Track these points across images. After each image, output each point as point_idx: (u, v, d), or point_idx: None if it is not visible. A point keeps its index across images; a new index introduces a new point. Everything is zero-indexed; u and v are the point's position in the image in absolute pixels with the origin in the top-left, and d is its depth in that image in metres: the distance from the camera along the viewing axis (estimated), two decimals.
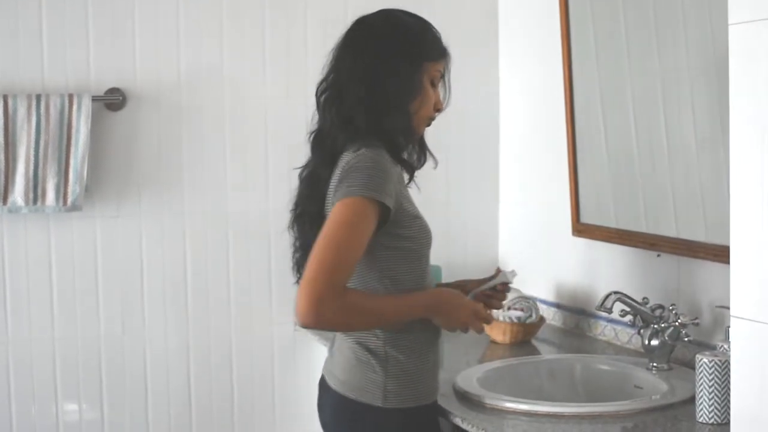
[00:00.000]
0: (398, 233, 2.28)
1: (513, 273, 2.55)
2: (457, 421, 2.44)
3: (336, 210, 2.20)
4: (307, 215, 2.38)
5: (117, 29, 3.35)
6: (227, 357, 3.51)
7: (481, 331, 2.40)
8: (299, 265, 2.41)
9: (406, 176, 2.38)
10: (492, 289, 2.51)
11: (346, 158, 2.26)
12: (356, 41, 2.36)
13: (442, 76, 2.40)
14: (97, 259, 3.37)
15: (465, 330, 2.37)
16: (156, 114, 3.41)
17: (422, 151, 2.44)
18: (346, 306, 2.17)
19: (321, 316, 2.14)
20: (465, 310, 2.36)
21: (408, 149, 2.39)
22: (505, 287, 2.53)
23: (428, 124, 2.42)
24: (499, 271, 2.56)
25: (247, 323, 3.53)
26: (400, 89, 2.30)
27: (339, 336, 2.39)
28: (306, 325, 2.19)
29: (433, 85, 2.38)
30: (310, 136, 2.41)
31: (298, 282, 2.42)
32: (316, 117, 2.40)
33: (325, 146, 2.35)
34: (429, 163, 2.47)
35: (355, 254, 2.18)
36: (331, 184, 2.29)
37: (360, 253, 2.19)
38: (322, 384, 2.44)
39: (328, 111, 2.35)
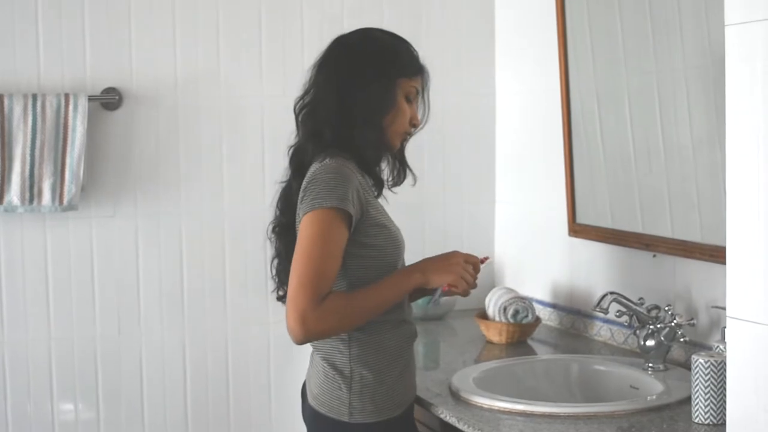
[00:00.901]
0: (363, 242, 2.32)
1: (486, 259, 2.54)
2: (453, 421, 2.44)
3: (303, 225, 2.26)
4: (280, 226, 2.46)
5: (113, 28, 3.34)
6: (223, 357, 3.51)
7: (472, 283, 2.43)
8: (278, 273, 2.49)
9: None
10: None
11: (312, 169, 2.32)
12: (332, 59, 2.42)
13: (418, 93, 2.44)
14: (93, 259, 3.37)
15: (462, 286, 2.40)
16: (152, 114, 3.40)
17: (402, 167, 2.51)
18: (330, 310, 2.22)
19: (308, 330, 2.22)
20: (454, 257, 2.41)
21: (380, 163, 2.45)
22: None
23: (405, 139, 2.47)
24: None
25: (243, 323, 3.53)
26: (371, 104, 2.35)
27: (312, 349, 2.45)
28: (298, 342, 2.27)
29: (409, 101, 2.42)
30: (289, 151, 2.48)
31: (277, 292, 2.53)
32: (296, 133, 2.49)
33: (297, 159, 2.43)
34: (406, 179, 2.53)
35: (331, 265, 2.24)
36: (299, 195, 2.34)
37: (337, 263, 2.25)
38: (303, 392, 2.51)
39: (303, 125, 2.43)
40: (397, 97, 2.39)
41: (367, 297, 2.31)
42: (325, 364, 2.38)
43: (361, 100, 2.35)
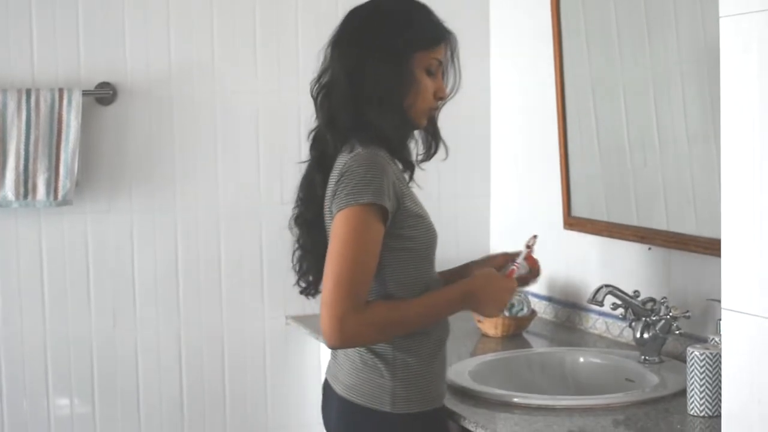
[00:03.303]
0: (400, 233, 2.19)
1: (534, 238, 2.49)
2: (449, 413, 2.44)
3: (338, 223, 2.13)
4: (304, 219, 2.32)
5: (107, 23, 3.34)
6: (219, 351, 3.51)
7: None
8: (300, 264, 2.36)
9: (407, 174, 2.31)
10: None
11: (341, 160, 2.18)
12: (344, 36, 2.26)
13: (441, 63, 2.27)
14: (88, 254, 3.37)
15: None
16: (147, 108, 3.40)
17: (435, 140, 2.36)
18: (370, 320, 2.12)
19: (346, 336, 2.10)
20: (505, 291, 2.31)
21: (406, 145, 2.30)
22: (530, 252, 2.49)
23: (431, 114, 2.30)
24: (528, 247, 2.50)
25: (239, 318, 3.53)
26: (387, 83, 2.19)
27: None
28: (334, 347, 2.16)
29: (431, 73, 2.25)
30: (309, 136, 2.33)
31: (298, 284, 2.37)
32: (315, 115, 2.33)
33: (318, 147, 2.28)
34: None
35: (368, 266, 2.12)
36: (328, 188, 2.21)
37: (374, 263, 2.13)
38: (327, 389, 2.36)
39: (320, 110, 2.27)
40: (415, 72, 2.22)
41: (410, 312, 2.19)
42: (364, 351, 2.22)
43: (375, 79, 2.18)
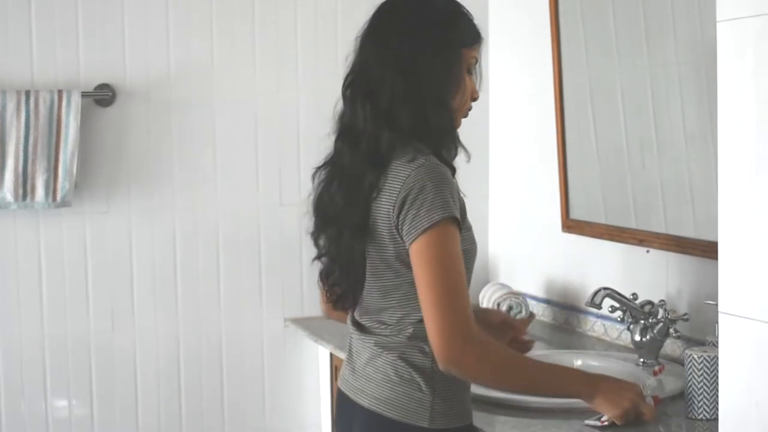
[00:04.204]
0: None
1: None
2: None
3: (423, 246, 2.00)
4: (346, 224, 2.12)
5: (106, 25, 3.34)
6: (217, 353, 3.51)
7: (651, 417, 2.21)
8: (328, 274, 2.20)
9: None
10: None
11: (403, 171, 2.04)
12: (385, 27, 2.12)
13: (477, 62, 2.17)
14: (87, 255, 3.37)
15: (629, 418, 2.18)
16: (145, 110, 3.40)
17: (456, 144, 2.20)
18: (488, 353, 2.02)
19: (460, 353, 1.98)
20: (631, 393, 2.18)
21: (455, 147, 2.19)
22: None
23: (465, 116, 2.21)
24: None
25: (237, 319, 3.53)
26: (440, 81, 2.10)
27: (369, 351, 2.15)
28: (445, 364, 2.00)
29: (470, 72, 2.16)
30: (336, 134, 2.17)
31: (328, 295, 2.23)
32: (341, 113, 2.17)
33: (363, 147, 2.10)
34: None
35: (463, 283, 2.02)
36: (384, 197, 2.05)
37: (465, 277, 2.03)
38: (345, 402, 2.21)
39: (361, 107, 2.10)
40: (462, 70, 2.12)
41: (532, 369, 2.10)
42: (401, 363, 2.09)
43: (432, 75, 2.08)
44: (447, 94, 2.11)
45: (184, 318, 3.47)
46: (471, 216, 2.15)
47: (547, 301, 3.43)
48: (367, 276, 2.12)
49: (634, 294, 2.83)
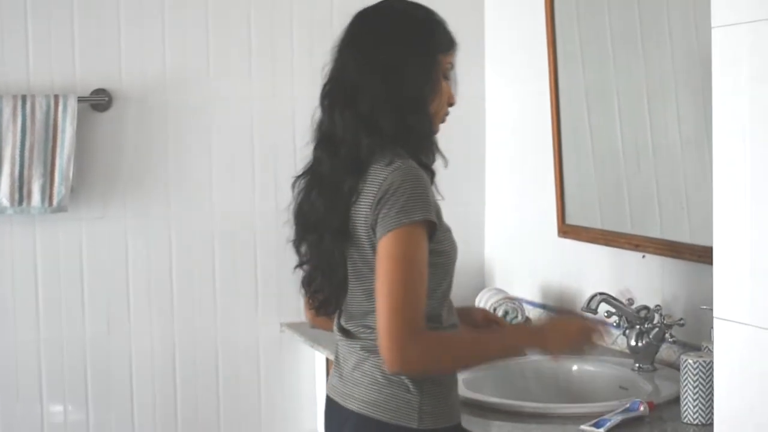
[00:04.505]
0: (434, 248, 2.10)
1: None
2: None
3: (388, 244, 2.03)
4: (326, 230, 2.15)
5: (103, 30, 3.34)
6: (213, 358, 3.51)
7: (594, 340, 2.28)
8: (311, 281, 2.24)
9: None
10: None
11: (381, 174, 2.07)
12: (363, 36, 2.17)
13: (453, 68, 2.23)
14: (83, 260, 3.37)
15: (580, 351, 2.28)
16: (142, 115, 3.40)
17: (434, 149, 2.23)
18: (429, 347, 2.04)
19: (406, 362, 2.02)
20: (574, 326, 2.26)
21: (433, 152, 2.21)
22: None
23: (443, 121, 2.24)
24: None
25: (233, 324, 3.53)
26: (419, 87, 2.13)
27: (356, 355, 2.18)
28: (396, 374, 2.07)
29: (446, 78, 2.21)
30: (315, 143, 2.21)
31: (311, 301, 2.27)
32: (319, 122, 2.21)
33: (342, 154, 2.13)
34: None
35: (422, 287, 2.03)
36: (363, 200, 2.09)
37: (425, 283, 2.04)
38: (333, 407, 2.24)
39: (339, 115, 2.14)
40: (439, 75, 2.17)
41: (473, 346, 2.14)
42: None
43: (412, 82, 2.12)
44: (425, 100, 2.15)
45: (179, 323, 3.47)
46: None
47: (543, 306, 3.43)
48: (350, 280, 2.15)
49: (629, 299, 2.83)
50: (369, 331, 2.14)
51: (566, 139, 3.23)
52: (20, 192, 3.20)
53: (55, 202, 3.22)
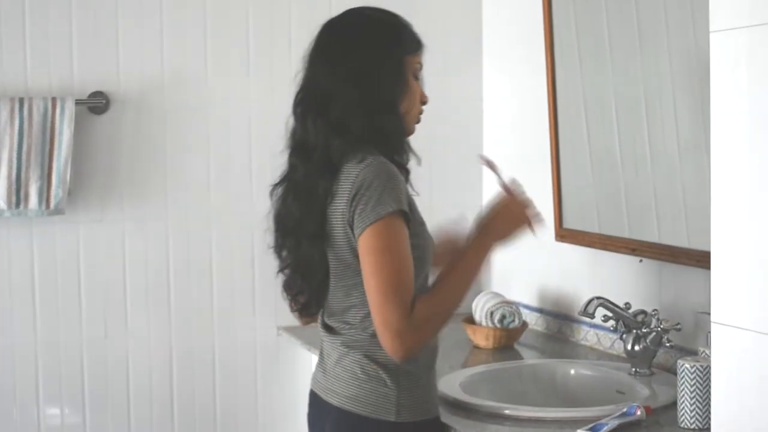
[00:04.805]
0: (411, 242, 2.15)
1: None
2: None
3: (369, 237, 2.10)
4: (303, 234, 2.22)
5: (100, 32, 3.34)
6: (210, 362, 3.51)
7: (539, 222, 2.37)
8: (290, 286, 2.32)
9: None
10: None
11: (353, 171, 2.14)
12: (332, 45, 2.25)
13: (421, 67, 2.30)
14: (80, 263, 3.37)
15: (530, 229, 2.36)
16: (139, 117, 3.40)
17: (407, 148, 2.30)
18: (420, 321, 2.10)
19: (408, 346, 2.10)
20: (516, 209, 2.34)
21: (406, 151, 2.28)
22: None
23: (418, 121, 2.31)
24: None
25: (230, 328, 3.52)
26: (389, 89, 2.21)
27: (337, 351, 2.26)
28: (401, 359, 2.14)
29: (416, 78, 2.28)
30: (290, 150, 2.29)
31: (291, 307, 2.36)
32: (292, 130, 2.29)
33: (315, 158, 2.20)
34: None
35: (408, 274, 2.11)
36: (338, 199, 2.16)
37: (412, 270, 2.12)
38: (316, 401, 2.34)
39: (312, 122, 2.21)
40: (408, 77, 2.24)
41: (452, 289, 2.19)
42: (367, 361, 2.20)
43: (378, 86, 2.19)
44: (395, 101, 2.23)
45: (176, 326, 3.47)
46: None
47: (540, 310, 3.43)
48: (331, 279, 2.22)
49: (627, 303, 2.83)
50: (348, 326, 2.23)
51: (564, 142, 3.23)
52: (17, 194, 3.20)
53: (52, 204, 3.22)
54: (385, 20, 2.29)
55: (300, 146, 2.26)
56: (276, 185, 2.34)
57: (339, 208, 2.16)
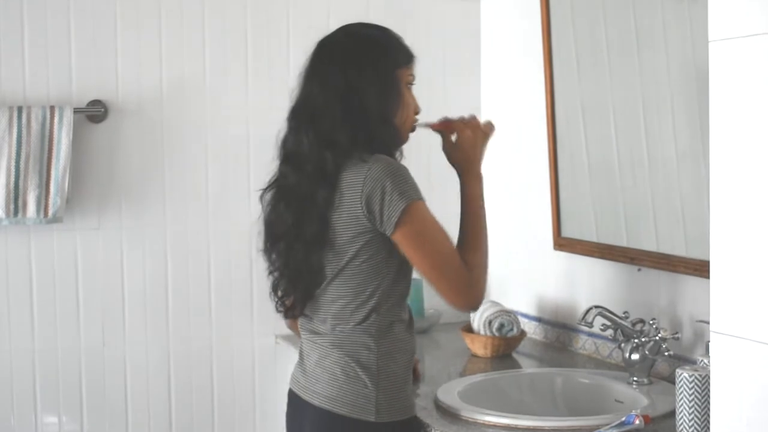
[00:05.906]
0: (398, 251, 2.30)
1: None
2: None
3: (406, 228, 2.24)
4: (296, 238, 2.31)
5: (99, 41, 3.34)
6: (208, 369, 3.51)
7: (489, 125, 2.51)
8: (276, 288, 2.44)
9: None
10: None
11: (357, 176, 2.24)
12: (324, 62, 2.33)
13: (414, 79, 2.39)
14: (78, 271, 3.36)
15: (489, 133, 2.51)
16: (138, 126, 3.40)
17: (400, 158, 2.42)
18: (477, 269, 2.31)
19: (479, 297, 2.33)
20: (467, 130, 2.46)
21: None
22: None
23: (413, 130, 2.40)
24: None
25: (228, 335, 3.52)
26: (383, 102, 2.29)
27: (318, 351, 2.34)
28: (475, 308, 2.53)
29: (409, 89, 2.37)
30: (281, 159, 2.39)
31: (277, 308, 2.48)
32: (284, 139, 2.40)
33: (308, 169, 2.29)
34: None
35: (448, 241, 2.29)
36: (345, 206, 2.25)
37: (449, 236, 2.29)
38: (295, 400, 2.40)
39: (305, 134, 2.31)
40: (401, 89, 2.33)
41: (477, 231, 2.38)
42: (349, 361, 2.29)
43: (371, 99, 2.28)
44: (390, 113, 2.32)
45: (174, 334, 3.46)
46: None
47: (538, 319, 3.43)
48: (329, 281, 2.31)
49: (625, 312, 2.83)
50: (330, 328, 2.32)
51: (562, 151, 3.24)
52: (15, 203, 3.20)
53: (50, 213, 3.22)
54: (375, 36, 2.37)
55: (291, 155, 2.36)
56: (265, 190, 2.44)
57: (348, 213, 2.25)
